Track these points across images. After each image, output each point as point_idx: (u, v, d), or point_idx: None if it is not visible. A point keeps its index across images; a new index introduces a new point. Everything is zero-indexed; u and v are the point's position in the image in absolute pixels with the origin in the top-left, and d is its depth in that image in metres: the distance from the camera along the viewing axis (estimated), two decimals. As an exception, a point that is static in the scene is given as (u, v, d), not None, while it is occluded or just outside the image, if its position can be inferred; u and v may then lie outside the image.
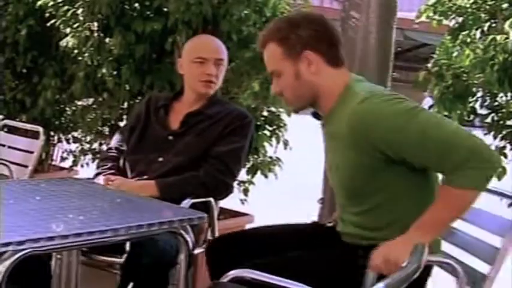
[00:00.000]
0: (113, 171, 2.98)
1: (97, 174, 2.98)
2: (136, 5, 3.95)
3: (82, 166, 5.19)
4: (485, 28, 3.22)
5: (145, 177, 2.87)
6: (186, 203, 2.66)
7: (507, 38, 3.04)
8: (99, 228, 1.82)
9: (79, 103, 4.96)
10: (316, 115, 2.34)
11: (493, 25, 3.25)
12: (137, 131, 3.00)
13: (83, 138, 5.07)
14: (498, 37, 3.08)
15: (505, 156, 3.52)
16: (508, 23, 3.05)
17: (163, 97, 3.10)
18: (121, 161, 3.06)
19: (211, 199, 2.78)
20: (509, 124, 3.36)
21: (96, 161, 4.70)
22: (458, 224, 2.24)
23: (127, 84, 4.01)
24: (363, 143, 2.07)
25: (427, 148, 1.99)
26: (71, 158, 5.36)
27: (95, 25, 4.12)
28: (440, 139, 1.97)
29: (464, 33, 3.38)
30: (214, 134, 2.86)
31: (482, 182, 1.99)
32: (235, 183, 3.12)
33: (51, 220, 1.93)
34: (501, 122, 3.39)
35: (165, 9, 3.89)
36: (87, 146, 4.85)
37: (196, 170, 2.82)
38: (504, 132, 3.39)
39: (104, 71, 4.02)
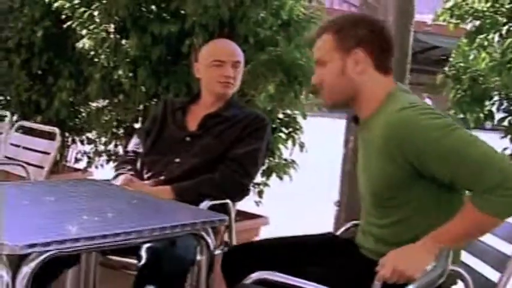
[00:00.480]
0: (132, 173, 3.00)
1: (116, 176, 3.00)
2: (153, 7, 3.97)
3: (96, 167, 5.23)
4: (504, 31, 3.22)
5: (161, 177, 2.88)
6: (205, 204, 2.68)
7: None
8: (124, 230, 1.83)
9: (93, 104, 5.00)
10: (355, 119, 2.30)
11: (511, 28, 3.24)
12: (153, 132, 3.02)
13: (97, 140, 5.13)
14: (518, 41, 3.09)
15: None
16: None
17: (179, 101, 3.14)
18: (138, 164, 3.07)
19: (229, 201, 2.80)
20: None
21: (111, 162, 4.78)
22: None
23: (143, 86, 4.03)
24: (396, 153, 2.03)
25: (459, 166, 1.94)
26: (85, 160, 5.41)
27: (111, 27, 4.15)
28: (473, 158, 1.92)
29: (481, 36, 3.38)
30: (231, 136, 2.88)
31: (508, 211, 1.95)
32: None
33: (74, 221, 1.95)
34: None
35: (182, 12, 3.91)
36: (101, 147, 4.87)
37: (212, 172, 2.83)
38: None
39: (120, 72, 4.04)
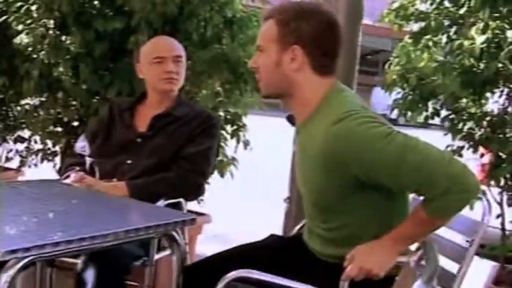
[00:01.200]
0: (82, 173, 2.95)
1: (66, 178, 2.94)
2: (96, 3, 3.89)
3: (29, 166, 5.08)
4: (451, 33, 3.33)
5: (114, 179, 2.85)
6: (161, 203, 2.67)
7: (473, 44, 3.15)
8: (101, 233, 1.80)
9: (26, 102, 4.84)
10: (290, 119, 2.27)
11: (456, 31, 3.36)
12: (101, 134, 3.00)
13: (31, 138, 4.99)
14: (465, 42, 3.19)
15: (461, 156, 3.66)
16: (473, 29, 3.15)
17: (126, 101, 3.12)
18: (86, 165, 3.02)
19: (182, 200, 2.80)
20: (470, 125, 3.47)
21: (46, 161, 4.65)
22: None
23: (84, 83, 3.95)
24: (334, 165, 2.00)
25: (406, 174, 1.93)
26: (17, 158, 5.23)
27: (50, 22, 4.04)
28: (418, 166, 1.91)
29: (427, 37, 3.49)
30: (183, 135, 2.89)
31: (457, 211, 1.99)
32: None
33: (48, 225, 1.91)
34: (461, 124, 3.50)
35: (126, 8, 3.85)
36: (36, 146, 4.74)
37: (166, 171, 2.83)
38: (464, 133, 3.50)
39: (61, 69, 3.94)
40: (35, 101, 4.54)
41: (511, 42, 3.15)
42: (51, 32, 4.03)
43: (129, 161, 2.87)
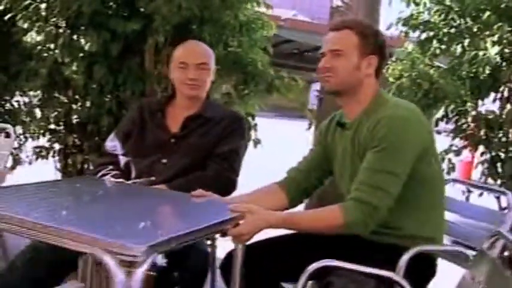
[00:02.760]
0: (116, 172, 3.07)
1: (101, 176, 3.05)
2: (112, 3, 4.00)
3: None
4: (466, 43, 3.60)
5: (152, 178, 2.97)
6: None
7: (485, 54, 3.44)
8: (192, 229, 1.98)
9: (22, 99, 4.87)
10: (341, 125, 2.60)
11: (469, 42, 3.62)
12: (134, 135, 3.09)
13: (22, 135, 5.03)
14: (480, 53, 3.48)
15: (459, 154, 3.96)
16: (488, 41, 3.43)
17: (155, 102, 3.24)
18: (121, 164, 3.13)
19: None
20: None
21: (40, 159, 4.69)
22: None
23: (96, 82, 4.06)
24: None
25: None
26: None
27: (62, 22, 4.12)
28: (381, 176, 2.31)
29: (436, 45, 3.76)
30: (215, 135, 3.02)
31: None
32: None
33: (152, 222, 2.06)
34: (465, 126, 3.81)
35: (142, 10, 3.98)
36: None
37: (200, 170, 2.97)
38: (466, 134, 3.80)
39: (74, 68, 4.03)
40: (34, 100, 4.61)
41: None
42: (61, 30, 4.11)
43: (164, 160, 2.98)
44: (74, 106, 4.28)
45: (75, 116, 4.29)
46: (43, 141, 4.65)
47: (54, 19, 4.17)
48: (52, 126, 4.45)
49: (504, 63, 3.53)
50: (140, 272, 1.76)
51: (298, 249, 2.60)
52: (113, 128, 4.17)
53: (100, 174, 3.08)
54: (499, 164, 3.76)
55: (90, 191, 2.62)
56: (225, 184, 2.97)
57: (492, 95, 3.78)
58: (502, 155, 3.81)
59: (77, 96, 4.24)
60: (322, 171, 2.73)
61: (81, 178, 2.80)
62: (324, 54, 2.56)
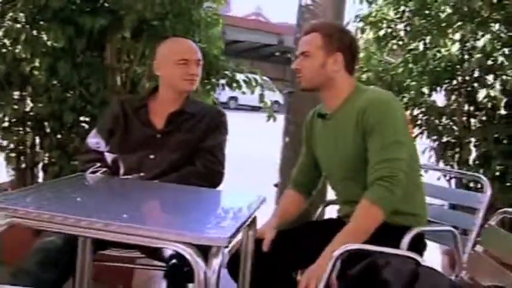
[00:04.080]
0: (105, 169, 3.13)
1: (92, 173, 3.10)
2: (76, -1, 4.01)
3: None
4: (427, 40, 3.89)
5: (141, 174, 3.06)
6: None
7: (448, 50, 3.76)
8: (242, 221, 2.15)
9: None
10: (322, 116, 2.91)
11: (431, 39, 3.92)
12: (119, 131, 3.17)
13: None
14: (442, 50, 3.79)
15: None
16: (449, 39, 3.75)
17: (137, 99, 3.32)
18: (108, 161, 3.18)
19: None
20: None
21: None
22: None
23: (59, 78, 4.05)
24: (365, 130, 2.66)
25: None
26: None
27: (21, 16, 4.08)
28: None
29: (394, 41, 4.05)
30: (200, 130, 3.15)
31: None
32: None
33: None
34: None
35: (106, 5, 4.02)
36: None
37: (190, 165, 3.10)
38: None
39: (36, 64, 4.01)
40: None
41: (479, 51, 3.82)
42: (19, 25, 4.07)
43: (151, 156, 3.08)
44: (31, 103, 4.24)
45: (32, 113, 4.25)
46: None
47: (11, 14, 4.13)
48: (5, 124, 4.37)
49: (465, 58, 3.87)
50: (218, 262, 1.89)
51: (305, 239, 2.82)
52: (77, 124, 4.22)
53: (89, 171, 3.13)
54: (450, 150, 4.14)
55: (108, 186, 2.69)
56: (214, 177, 3.13)
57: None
58: (453, 141, 4.19)
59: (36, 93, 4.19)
60: (316, 165, 3.02)
61: (82, 176, 2.84)
62: (297, 56, 2.85)
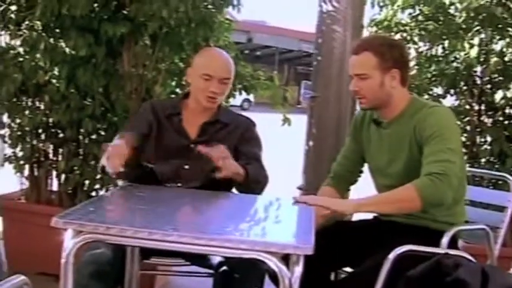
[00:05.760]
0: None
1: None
2: (96, 6, 4.05)
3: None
4: (446, 44, 4.02)
5: (178, 185, 3.09)
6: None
7: (466, 54, 3.90)
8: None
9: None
10: (376, 122, 3.01)
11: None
12: (153, 138, 3.17)
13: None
14: (462, 53, 3.92)
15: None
16: (467, 43, 3.89)
17: (169, 105, 3.30)
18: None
19: None
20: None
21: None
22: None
23: (74, 87, 4.10)
24: (420, 140, 2.77)
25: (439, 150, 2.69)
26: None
27: (38, 24, 4.10)
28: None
29: (409, 45, 4.18)
30: (234, 140, 3.16)
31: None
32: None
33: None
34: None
35: (124, 12, 4.06)
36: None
37: None
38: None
39: (55, 73, 4.05)
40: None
41: (497, 54, 3.97)
42: (35, 34, 4.10)
43: (186, 166, 3.11)
44: (48, 112, 4.27)
45: (48, 122, 4.29)
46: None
47: (27, 22, 4.16)
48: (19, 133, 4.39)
49: (482, 61, 4.03)
50: (300, 269, 1.98)
51: (341, 240, 2.93)
52: (97, 132, 4.26)
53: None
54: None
55: (159, 198, 2.74)
56: (265, 182, 3.13)
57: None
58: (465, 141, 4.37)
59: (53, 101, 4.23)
60: (359, 161, 3.13)
61: (133, 186, 2.90)
62: (351, 77, 2.92)
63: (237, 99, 4.79)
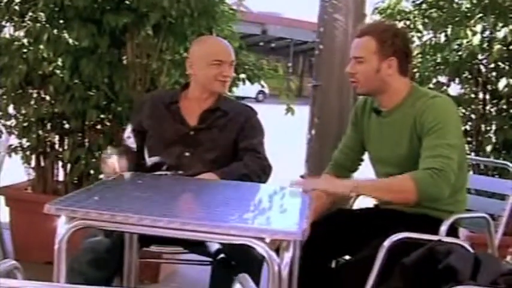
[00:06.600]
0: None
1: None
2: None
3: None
4: (449, 32, 4.00)
5: (180, 172, 3.10)
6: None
7: (468, 42, 3.88)
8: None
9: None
10: (376, 111, 3.00)
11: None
12: (154, 130, 3.20)
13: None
14: (464, 41, 3.91)
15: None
16: (469, 30, 3.87)
17: (168, 95, 3.35)
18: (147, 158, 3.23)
19: None
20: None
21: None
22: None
23: (78, 77, 4.13)
24: (420, 131, 2.76)
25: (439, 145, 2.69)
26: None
27: (41, 15, 4.13)
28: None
29: (413, 33, 4.17)
30: (234, 130, 3.18)
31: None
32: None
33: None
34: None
35: (127, 3, 4.08)
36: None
37: (227, 164, 3.09)
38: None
39: (59, 63, 4.07)
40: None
41: (500, 41, 3.94)
42: (38, 25, 4.12)
43: (186, 154, 3.12)
44: (53, 102, 4.30)
45: (53, 112, 4.31)
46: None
47: (31, 14, 4.18)
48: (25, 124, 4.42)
49: (485, 48, 4.01)
50: (290, 255, 1.98)
51: (342, 229, 2.93)
52: (101, 122, 4.29)
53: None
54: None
55: (156, 185, 2.76)
56: (266, 170, 3.15)
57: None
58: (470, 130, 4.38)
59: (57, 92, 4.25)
60: (360, 149, 3.12)
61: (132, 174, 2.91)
62: (351, 59, 2.92)
63: (252, 91, 4.85)
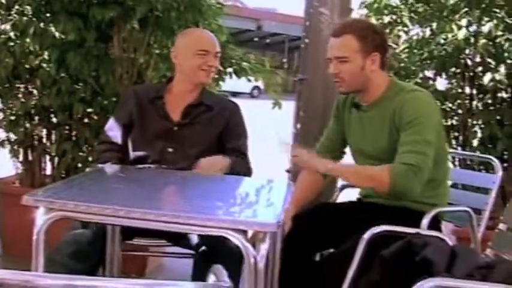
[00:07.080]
0: (116, 159, 3.15)
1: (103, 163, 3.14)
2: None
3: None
4: (434, 27, 4.01)
5: (163, 166, 3.08)
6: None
7: (453, 36, 3.89)
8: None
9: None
10: (356, 105, 3.01)
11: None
12: (136, 124, 3.19)
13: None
14: (449, 35, 3.91)
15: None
16: (455, 24, 3.88)
17: (152, 89, 3.34)
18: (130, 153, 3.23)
19: None
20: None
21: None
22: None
23: (64, 71, 4.11)
24: (399, 124, 2.77)
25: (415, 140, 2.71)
26: None
27: (27, 9, 4.12)
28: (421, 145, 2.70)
29: (400, 28, 4.17)
30: (221, 123, 3.19)
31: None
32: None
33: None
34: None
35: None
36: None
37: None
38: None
39: (45, 57, 4.06)
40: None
41: (484, 36, 3.97)
42: (25, 18, 4.12)
43: (170, 149, 3.12)
44: (40, 96, 4.29)
45: (40, 106, 4.30)
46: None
47: (17, 7, 4.18)
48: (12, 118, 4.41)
49: (471, 43, 4.02)
50: (266, 247, 1.98)
51: (325, 222, 2.94)
52: (88, 116, 4.28)
53: (100, 161, 3.16)
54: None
55: (138, 178, 2.76)
56: (250, 175, 3.18)
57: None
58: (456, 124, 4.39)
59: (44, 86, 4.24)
60: (341, 142, 3.14)
61: (111, 167, 2.91)
62: (330, 59, 2.90)
63: (247, 87, 4.85)
